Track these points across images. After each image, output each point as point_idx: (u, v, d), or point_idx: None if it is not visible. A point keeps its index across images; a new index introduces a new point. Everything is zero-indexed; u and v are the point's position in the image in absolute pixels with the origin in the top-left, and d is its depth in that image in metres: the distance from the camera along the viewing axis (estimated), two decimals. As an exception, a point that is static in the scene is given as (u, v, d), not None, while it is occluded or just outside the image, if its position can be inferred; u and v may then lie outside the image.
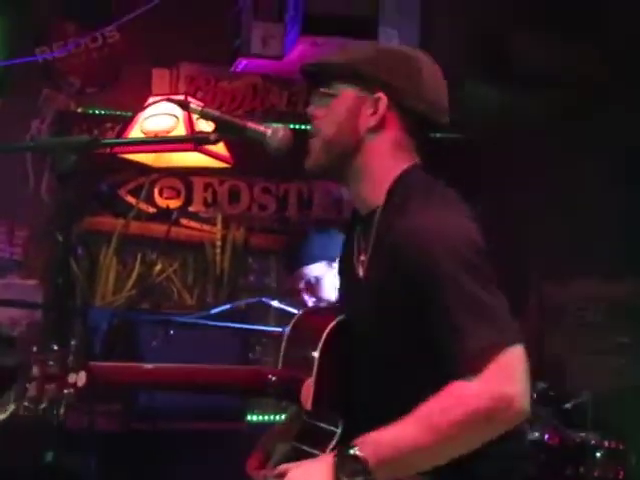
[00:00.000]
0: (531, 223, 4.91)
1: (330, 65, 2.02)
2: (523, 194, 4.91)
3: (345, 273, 2.14)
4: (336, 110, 1.99)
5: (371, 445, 1.74)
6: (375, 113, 1.97)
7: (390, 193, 1.95)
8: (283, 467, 1.87)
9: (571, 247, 4.87)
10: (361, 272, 1.99)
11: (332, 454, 1.79)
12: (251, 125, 1.96)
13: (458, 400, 1.73)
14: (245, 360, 4.56)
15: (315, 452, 1.94)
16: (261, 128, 1.96)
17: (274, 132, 1.95)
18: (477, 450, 1.78)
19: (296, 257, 3.48)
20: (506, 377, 1.73)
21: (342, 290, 2.21)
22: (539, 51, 4.62)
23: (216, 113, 1.98)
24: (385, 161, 1.98)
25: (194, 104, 1.99)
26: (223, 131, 1.98)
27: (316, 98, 2.03)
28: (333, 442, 1.93)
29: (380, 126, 1.97)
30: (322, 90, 2.01)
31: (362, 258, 2.00)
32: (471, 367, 1.73)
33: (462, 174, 2.00)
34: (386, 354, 1.93)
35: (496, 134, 4.81)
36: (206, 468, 3.98)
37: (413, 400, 1.78)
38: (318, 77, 2.04)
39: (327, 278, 3.35)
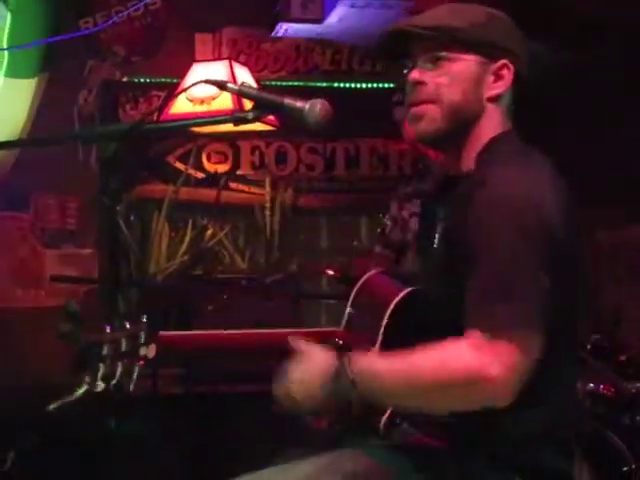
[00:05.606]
0: (583, 168, 4.84)
1: (450, 29, 1.92)
2: (577, 141, 4.86)
3: (423, 240, 2.10)
4: (460, 76, 1.92)
5: (363, 370, 1.79)
6: (498, 81, 1.93)
7: (477, 160, 1.92)
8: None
9: (625, 191, 4.81)
10: (437, 239, 1.97)
11: (333, 361, 1.82)
12: (288, 101, 1.96)
13: (452, 362, 1.72)
14: (299, 319, 4.60)
15: (379, 420, 1.95)
16: (298, 104, 1.95)
17: (311, 107, 1.93)
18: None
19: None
20: (501, 361, 1.69)
21: (420, 258, 2.19)
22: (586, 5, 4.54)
23: (253, 91, 1.98)
24: (495, 129, 1.95)
25: (231, 84, 1.99)
26: (261, 108, 1.99)
27: (422, 62, 1.95)
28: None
29: (502, 94, 1.95)
30: (442, 54, 1.92)
31: (440, 225, 1.97)
32: (479, 339, 1.71)
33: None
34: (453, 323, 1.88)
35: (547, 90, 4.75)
36: (269, 428, 4.03)
37: None
38: (427, 40, 1.94)
39: None
